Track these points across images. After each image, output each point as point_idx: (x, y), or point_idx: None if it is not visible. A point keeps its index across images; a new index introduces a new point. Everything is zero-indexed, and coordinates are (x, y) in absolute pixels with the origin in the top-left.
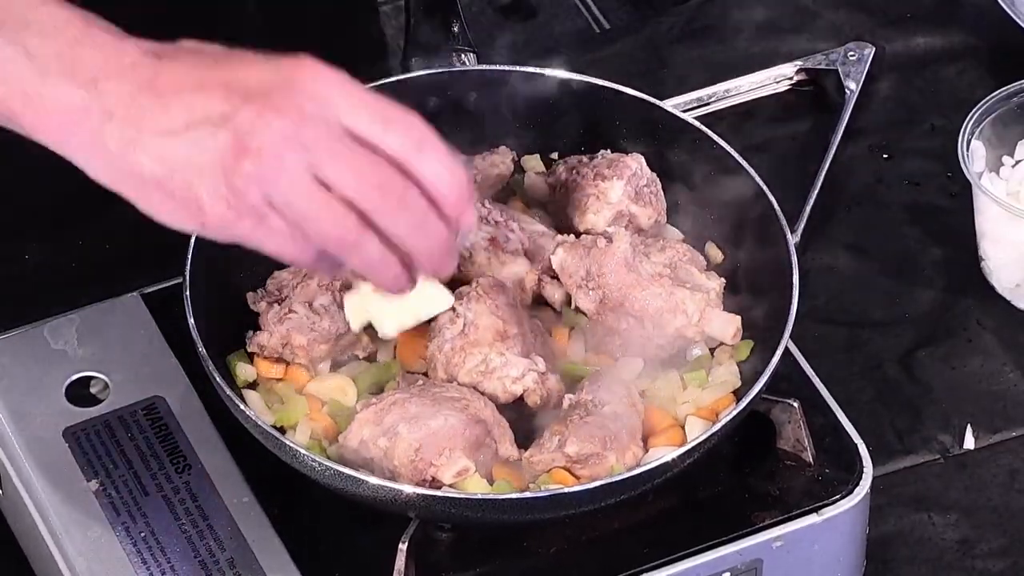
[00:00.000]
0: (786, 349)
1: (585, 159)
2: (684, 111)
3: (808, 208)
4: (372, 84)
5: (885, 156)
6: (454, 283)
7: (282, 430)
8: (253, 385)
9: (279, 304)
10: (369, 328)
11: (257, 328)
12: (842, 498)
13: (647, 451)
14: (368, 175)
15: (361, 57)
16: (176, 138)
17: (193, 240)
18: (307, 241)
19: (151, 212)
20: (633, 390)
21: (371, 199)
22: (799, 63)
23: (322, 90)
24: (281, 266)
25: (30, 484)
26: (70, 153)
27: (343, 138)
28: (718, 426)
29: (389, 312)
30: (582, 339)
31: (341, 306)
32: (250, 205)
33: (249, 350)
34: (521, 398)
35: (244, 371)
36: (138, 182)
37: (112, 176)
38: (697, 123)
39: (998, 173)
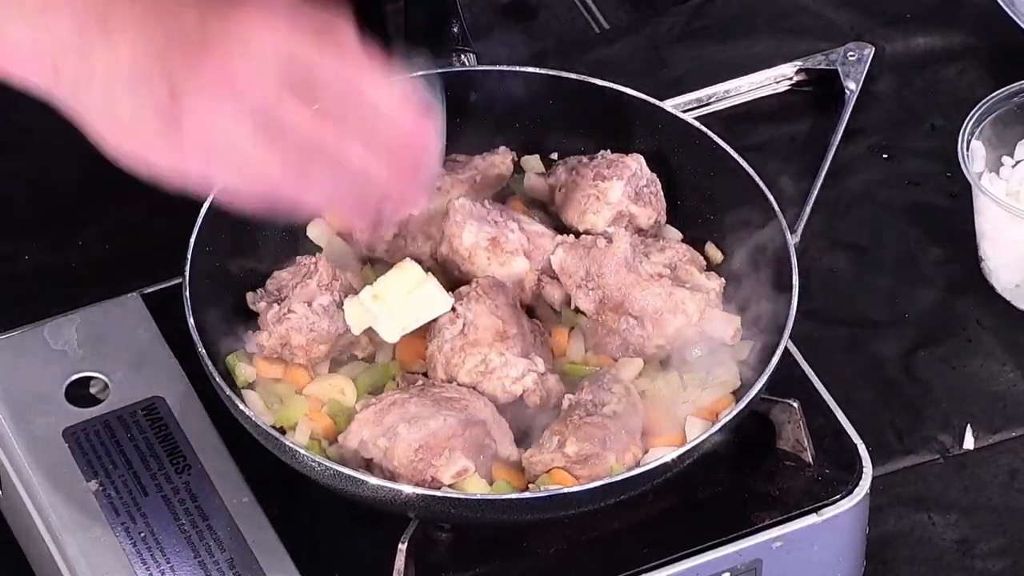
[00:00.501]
0: (786, 349)
1: (585, 159)
2: (684, 111)
3: (808, 208)
4: None
5: (885, 156)
6: (454, 283)
7: (282, 430)
8: (253, 385)
9: (279, 304)
10: (369, 329)
11: (257, 328)
12: (842, 498)
13: (647, 451)
14: (303, 127)
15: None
16: (120, 81)
17: (193, 240)
18: (257, 181)
19: (109, 150)
20: (633, 390)
21: (308, 149)
22: (799, 63)
23: (261, 39)
24: (281, 266)
25: (30, 484)
26: (35, 88)
27: (279, 89)
28: (717, 426)
29: (390, 316)
30: (582, 339)
31: (341, 306)
32: (192, 151)
33: (248, 350)
34: (521, 398)
35: (244, 371)
36: (93, 118)
37: (72, 110)
38: (697, 123)
39: (998, 173)
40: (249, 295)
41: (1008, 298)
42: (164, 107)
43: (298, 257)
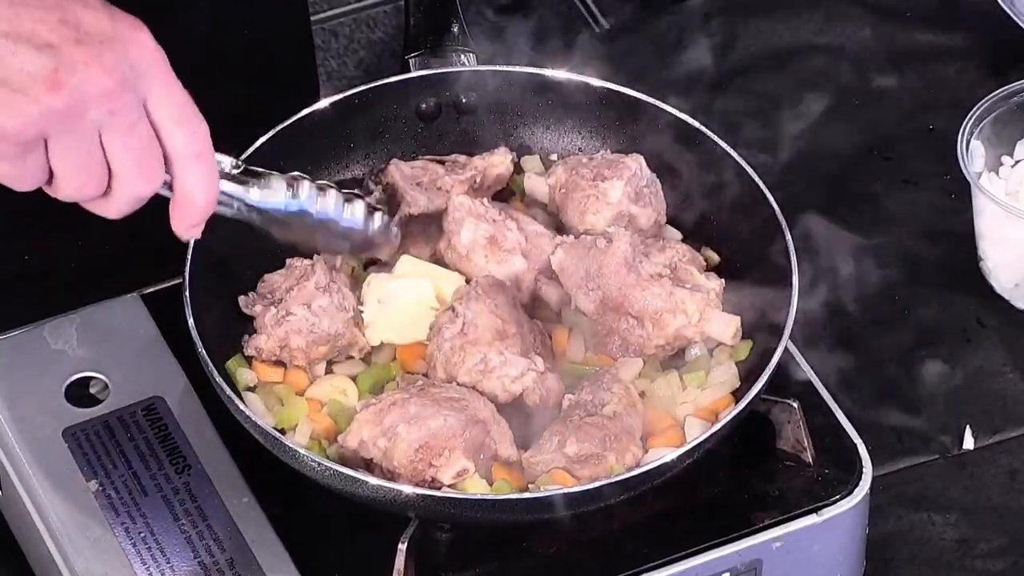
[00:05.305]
0: (786, 349)
1: (585, 159)
2: (684, 111)
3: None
4: (373, 84)
5: (885, 156)
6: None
7: (282, 431)
8: (253, 388)
9: (276, 307)
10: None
11: (254, 330)
12: (842, 498)
13: (647, 451)
14: (139, 162)
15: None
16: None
17: (193, 241)
18: (39, 181)
19: None
20: (633, 390)
21: (126, 182)
22: None
23: (145, 62)
24: (271, 268)
25: (30, 484)
26: None
27: (141, 116)
28: (717, 426)
29: (385, 323)
30: (582, 339)
31: (339, 307)
32: (30, 134)
33: (247, 353)
34: (520, 398)
35: (244, 376)
36: None
37: None
38: (697, 123)
39: (997, 173)
40: (241, 299)
41: (1007, 297)
42: (35, 85)
43: (288, 260)
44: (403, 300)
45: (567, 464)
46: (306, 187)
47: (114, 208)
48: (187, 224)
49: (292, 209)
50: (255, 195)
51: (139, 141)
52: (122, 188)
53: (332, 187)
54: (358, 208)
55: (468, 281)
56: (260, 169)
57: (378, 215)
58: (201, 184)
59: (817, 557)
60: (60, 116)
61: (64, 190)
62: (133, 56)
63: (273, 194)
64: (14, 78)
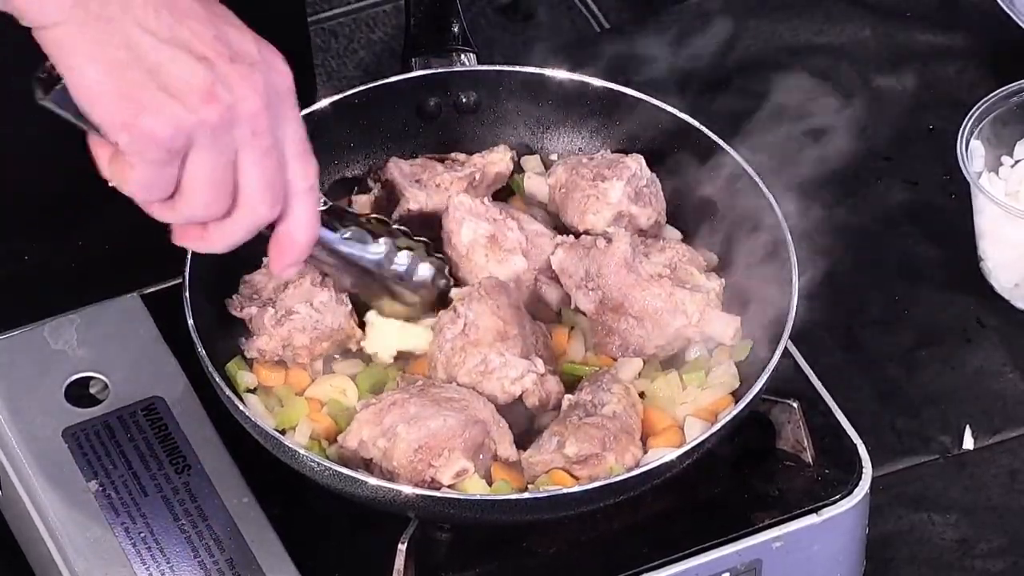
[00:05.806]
0: (786, 349)
1: (585, 159)
2: (684, 111)
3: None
4: (373, 84)
5: (885, 156)
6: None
7: (282, 431)
8: (254, 389)
9: (272, 307)
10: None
11: (251, 333)
12: (842, 498)
13: (646, 452)
14: (269, 186)
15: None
16: (154, 42)
17: None
18: (165, 193)
19: (80, 92)
20: (632, 391)
21: (252, 205)
22: None
23: (284, 91)
24: (251, 270)
25: (30, 484)
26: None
27: (275, 142)
28: (717, 427)
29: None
30: (582, 339)
31: (339, 301)
32: (179, 142)
33: (248, 356)
34: (520, 398)
35: (244, 378)
36: (91, 58)
37: (71, 40)
38: (697, 123)
39: (997, 173)
40: (228, 302)
41: (1007, 297)
42: (191, 95)
43: (265, 259)
44: (406, 344)
45: (567, 464)
46: (384, 240)
47: (227, 235)
48: (286, 262)
49: (373, 261)
50: (345, 245)
51: (272, 165)
52: (245, 211)
53: (407, 247)
54: (425, 269)
55: (468, 282)
56: (344, 210)
57: (442, 280)
58: (304, 221)
59: (817, 557)
60: (211, 129)
61: (190, 206)
62: (276, 82)
63: (359, 245)
64: (173, 84)
